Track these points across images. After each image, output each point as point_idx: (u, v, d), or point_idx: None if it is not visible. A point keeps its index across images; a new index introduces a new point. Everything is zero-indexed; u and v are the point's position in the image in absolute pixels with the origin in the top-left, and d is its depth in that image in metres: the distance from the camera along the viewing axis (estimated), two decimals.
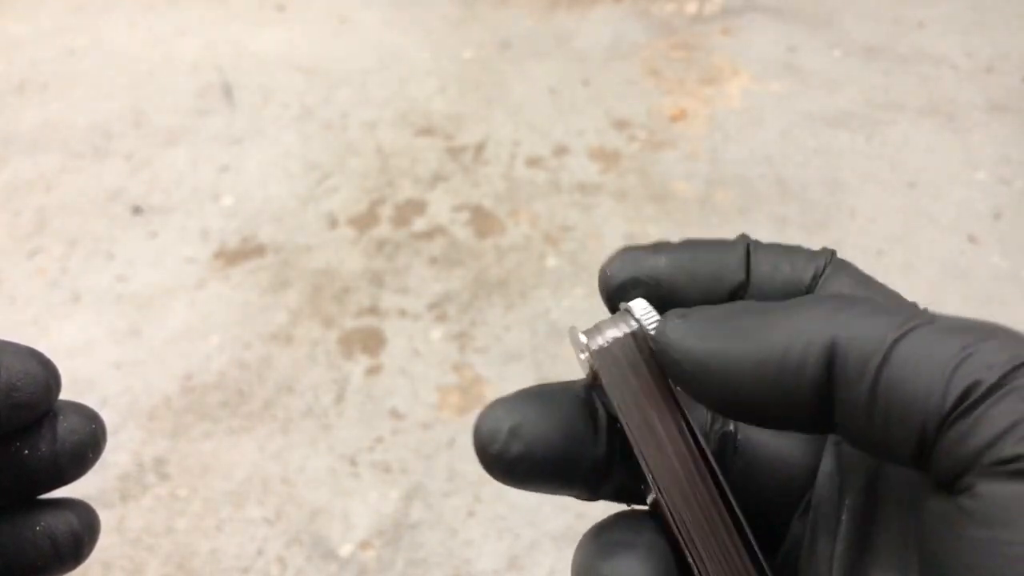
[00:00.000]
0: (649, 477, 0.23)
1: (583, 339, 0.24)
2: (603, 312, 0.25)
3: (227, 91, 2.22)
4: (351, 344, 1.55)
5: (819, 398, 0.20)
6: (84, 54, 2.40)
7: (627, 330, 0.24)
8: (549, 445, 0.23)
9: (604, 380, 0.23)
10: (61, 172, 1.98)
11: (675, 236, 0.26)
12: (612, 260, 0.25)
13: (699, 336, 0.21)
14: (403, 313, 1.60)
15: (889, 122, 2.06)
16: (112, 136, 2.09)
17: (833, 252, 0.25)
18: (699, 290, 0.24)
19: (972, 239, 1.74)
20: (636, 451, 0.23)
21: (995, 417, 0.18)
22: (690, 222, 1.76)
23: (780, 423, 0.21)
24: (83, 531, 0.25)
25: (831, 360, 0.20)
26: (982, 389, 0.18)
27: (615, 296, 0.25)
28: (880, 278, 0.24)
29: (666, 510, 0.23)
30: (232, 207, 1.87)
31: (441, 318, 1.59)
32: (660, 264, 0.25)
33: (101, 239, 1.80)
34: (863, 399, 0.19)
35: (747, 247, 0.25)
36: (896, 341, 0.19)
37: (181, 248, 1.77)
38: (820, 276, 0.24)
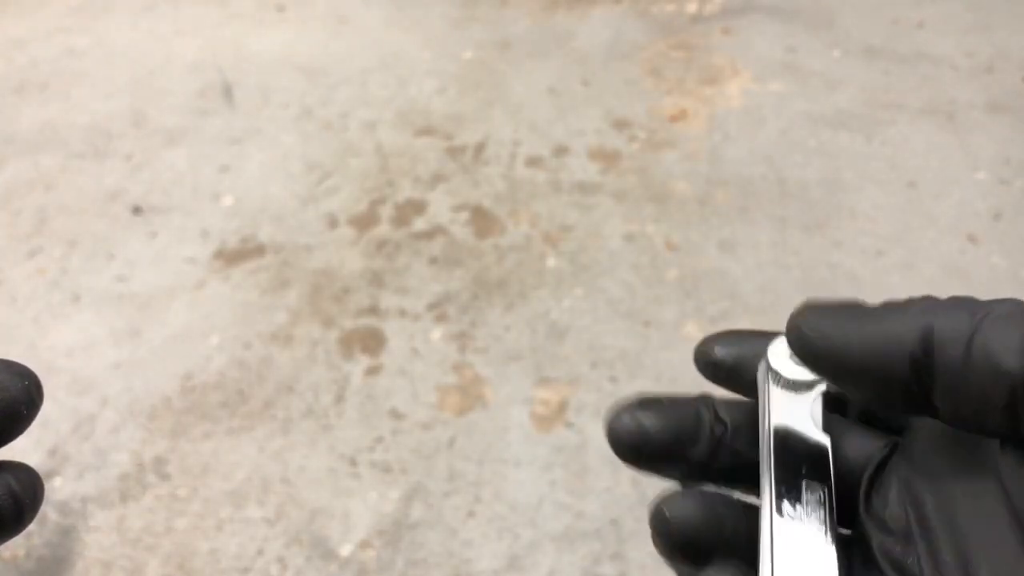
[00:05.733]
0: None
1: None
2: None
3: (227, 91, 2.22)
4: (351, 344, 1.55)
5: (914, 371, 0.23)
6: (84, 54, 2.40)
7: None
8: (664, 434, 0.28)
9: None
10: (61, 172, 1.98)
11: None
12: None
13: (824, 319, 0.26)
14: (403, 313, 1.60)
15: (889, 122, 2.06)
16: (112, 136, 2.09)
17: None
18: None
19: (972, 239, 1.74)
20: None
21: None
22: (690, 222, 1.75)
23: (881, 390, 0.25)
24: (24, 494, 0.24)
25: (928, 336, 0.23)
26: None
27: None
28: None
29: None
30: (232, 207, 1.87)
31: (441, 318, 1.59)
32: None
33: (101, 239, 1.79)
34: (958, 364, 0.22)
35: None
36: (983, 318, 0.22)
37: (181, 248, 1.77)
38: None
